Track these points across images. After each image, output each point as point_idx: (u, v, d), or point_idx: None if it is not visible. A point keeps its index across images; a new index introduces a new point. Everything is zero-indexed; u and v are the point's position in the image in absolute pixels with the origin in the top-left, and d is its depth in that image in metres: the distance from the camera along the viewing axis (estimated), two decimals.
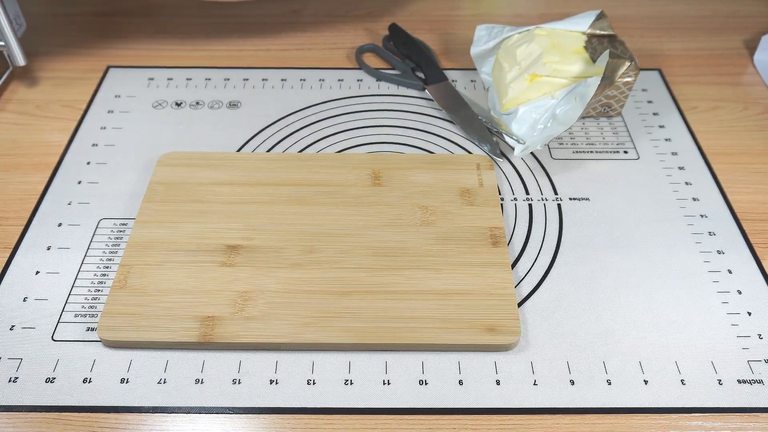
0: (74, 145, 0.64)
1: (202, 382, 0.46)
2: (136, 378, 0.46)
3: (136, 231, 0.54)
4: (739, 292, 0.52)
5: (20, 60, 0.67)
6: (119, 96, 0.69)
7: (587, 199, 0.59)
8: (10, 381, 0.46)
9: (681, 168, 0.62)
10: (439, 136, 0.65)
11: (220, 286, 0.50)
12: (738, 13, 0.83)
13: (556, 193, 0.59)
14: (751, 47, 0.76)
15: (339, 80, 0.72)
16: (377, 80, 0.72)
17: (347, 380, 0.46)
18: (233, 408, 0.45)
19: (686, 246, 0.55)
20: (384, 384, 0.46)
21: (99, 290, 0.51)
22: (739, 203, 0.59)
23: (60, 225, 0.56)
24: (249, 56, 0.75)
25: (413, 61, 0.73)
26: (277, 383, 0.46)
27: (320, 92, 0.70)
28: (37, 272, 0.53)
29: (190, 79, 0.72)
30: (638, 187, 0.60)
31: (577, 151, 0.63)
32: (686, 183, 0.60)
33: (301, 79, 0.71)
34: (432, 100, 0.69)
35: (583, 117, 0.66)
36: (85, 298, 0.51)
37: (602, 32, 0.65)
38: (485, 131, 0.64)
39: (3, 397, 0.45)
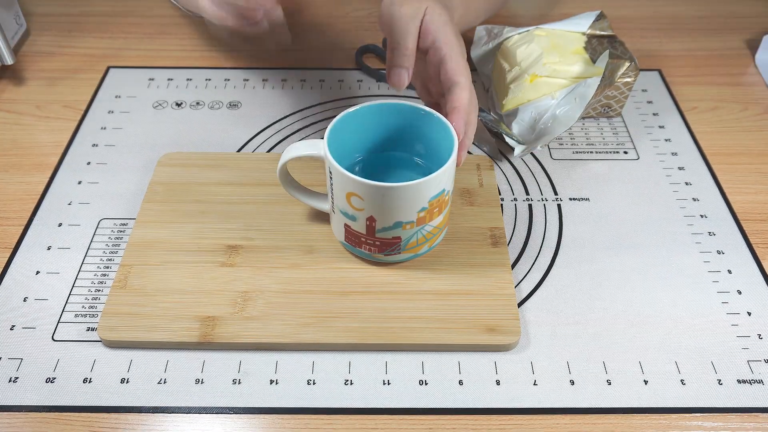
0: (74, 146, 0.64)
1: (202, 382, 0.46)
2: (136, 378, 0.46)
3: (136, 231, 0.54)
4: (739, 292, 0.52)
5: (8, 59, 0.67)
6: (119, 96, 0.69)
7: (587, 199, 0.59)
8: (10, 381, 0.46)
9: (681, 168, 0.62)
10: None
11: (220, 286, 0.50)
12: (738, 13, 0.83)
13: (556, 194, 0.59)
14: (753, 47, 0.76)
15: (339, 81, 0.72)
16: (377, 81, 0.72)
17: (347, 380, 0.46)
18: (233, 408, 0.45)
19: (686, 246, 0.55)
20: (384, 384, 0.46)
21: (99, 290, 0.51)
22: (739, 203, 0.59)
23: (60, 225, 0.56)
24: (249, 57, 0.75)
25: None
26: (277, 383, 0.46)
27: (320, 93, 0.70)
28: (38, 272, 0.53)
29: (191, 79, 0.72)
30: (638, 188, 0.60)
31: (577, 152, 0.63)
32: (686, 183, 0.60)
33: (301, 80, 0.72)
34: None
35: (583, 117, 0.66)
36: (86, 298, 0.51)
37: (602, 33, 0.65)
38: (485, 132, 0.64)
39: (3, 397, 0.45)
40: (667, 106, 0.69)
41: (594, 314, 0.50)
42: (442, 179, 0.46)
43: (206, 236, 0.53)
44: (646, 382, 0.46)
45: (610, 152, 0.63)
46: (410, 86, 0.70)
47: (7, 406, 0.45)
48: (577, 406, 0.45)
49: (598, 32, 0.65)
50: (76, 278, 0.52)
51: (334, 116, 0.49)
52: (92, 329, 0.49)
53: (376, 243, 0.49)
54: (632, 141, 0.64)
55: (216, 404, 0.45)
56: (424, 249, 0.51)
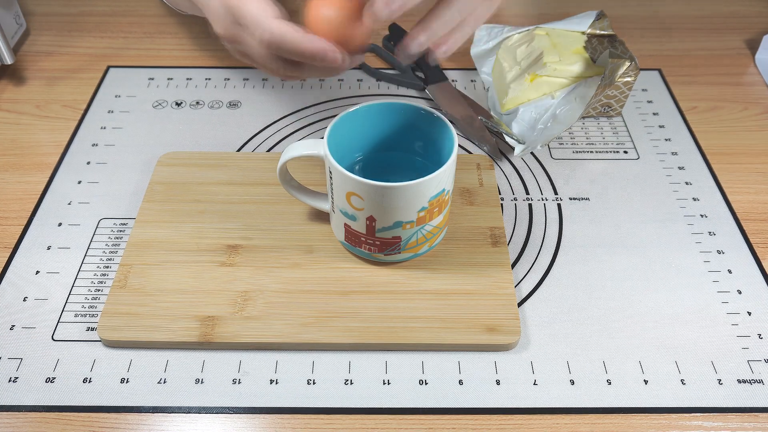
0: (74, 145, 0.64)
1: (202, 382, 0.46)
2: (136, 378, 0.46)
3: (136, 231, 0.54)
4: (739, 292, 0.52)
5: (8, 58, 0.67)
6: (119, 96, 0.69)
7: (587, 199, 0.59)
8: (10, 381, 0.46)
9: (681, 168, 0.62)
10: None
11: (220, 286, 0.50)
12: (738, 13, 0.83)
13: (556, 193, 0.59)
14: (753, 47, 0.76)
15: (339, 80, 0.72)
16: (377, 80, 0.72)
17: (347, 380, 0.46)
18: (233, 408, 0.45)
19: (686, 246, 0.55)
20: (384, 384, 0.46)
21: (99, 290, 0.51)
22: (739, 203, 0.59)
23: (60, 225, 0.56)
24: None
25: (413, 60, 0.72)
26: (277, 383, 0.46)
27: (320, 92, 0.70)
28: (37, 272, 0.53)
29: (190, 78, 0.72)
30: (638, 187, 0.60)
31: (577, 151, 0.63)
32: (686, 183, 0.60)
33: (300, 80, 0.71)
34: (432, 100, 0.69)
35: (583, 117, 0.66)
36: (85, 298, 0.51)
37: (602, 32, 0.65)
38: (485, 131, 0.64)
39: (3, 397, 0.45)
40: (667, 105, 0.69)
41: (594, 314, 0.50)
42: (442, 179, 0.46)
43: (206, 236, 0.53)
44: (646, 382, 0.46)
45: (610, 152, 0.63)
46: (409, 86, 0.70)
47: (7, 406, 0.45)
48: (577, 406, 0.45)
49: (598, 32, 0.65)
50: (76, 278, 0.52)
51: (334, 116, 0.49)
52: (92, 329, 0.49)
53: (376, 243, 0.49)
54: (632, 141, 0.64)
55: (216, 404, 0.45)
56: (424, 249, 0.51)
